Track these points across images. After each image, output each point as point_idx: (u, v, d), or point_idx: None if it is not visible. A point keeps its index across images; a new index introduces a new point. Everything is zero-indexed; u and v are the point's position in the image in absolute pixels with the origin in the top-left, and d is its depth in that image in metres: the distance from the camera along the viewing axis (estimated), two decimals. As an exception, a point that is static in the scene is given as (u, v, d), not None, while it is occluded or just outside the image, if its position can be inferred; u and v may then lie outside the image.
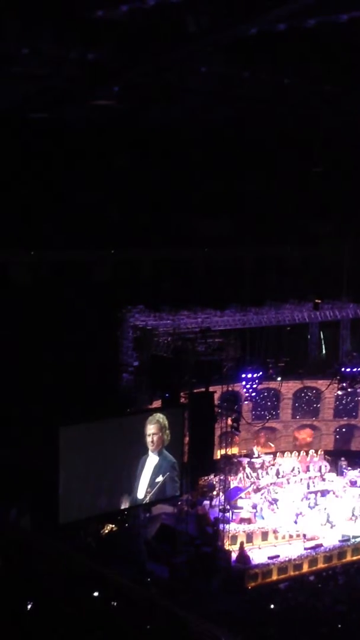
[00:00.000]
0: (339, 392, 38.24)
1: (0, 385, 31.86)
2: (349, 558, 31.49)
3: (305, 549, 31.09)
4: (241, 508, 32.77)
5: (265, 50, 20.95)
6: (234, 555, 30.38)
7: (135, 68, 21.20)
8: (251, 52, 21.15)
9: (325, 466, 37.34)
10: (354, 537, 31.97)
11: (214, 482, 34.27)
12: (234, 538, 31.13)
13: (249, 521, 32.28)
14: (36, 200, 34.29)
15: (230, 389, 32.01)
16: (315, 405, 39.79)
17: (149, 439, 29.42)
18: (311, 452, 38.14)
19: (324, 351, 43.19)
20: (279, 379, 37.80)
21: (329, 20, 18.07)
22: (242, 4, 17.22)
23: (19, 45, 19.35)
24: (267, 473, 36.07)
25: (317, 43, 20.71)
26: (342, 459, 37.82)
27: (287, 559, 30.42)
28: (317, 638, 25.00)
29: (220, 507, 31.59)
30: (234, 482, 34.20)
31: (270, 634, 25.11)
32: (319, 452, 38.34)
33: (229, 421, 31.88)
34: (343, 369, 36.88)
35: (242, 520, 32.24)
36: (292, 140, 33.82)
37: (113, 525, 32.08)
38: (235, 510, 32.48)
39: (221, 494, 32.52)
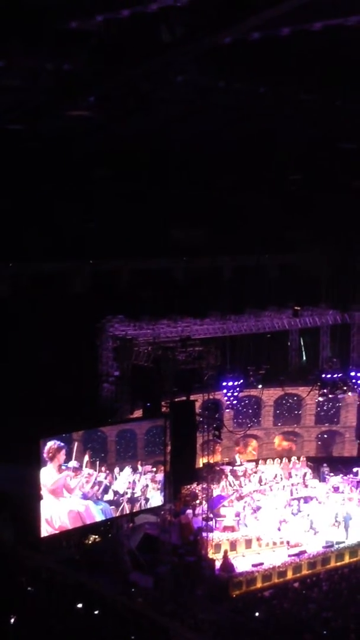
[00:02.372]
0: (320, 399, 38.36)
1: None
2: (332, 564, 31.55)
3: (289, 556, 31.12)
4: (224, 516, 32.76)
5: (240, 59, 21.03)
6: (217, 564, 30.36)
7: (111, 78, 21.22)
8: (226, 61, 21.23)
9: (308, 473, 37.42)
10: (338, 543, 32.03)
11: (197, 491, 34.23)
12: (217, 546, 31.12)
13: (232, 529, 32.27)
14: (14, 212, 34.21)
15: (211, 397, 32.00)
16: (296, 412, 39.88)
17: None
18: (293, 458, 38.22)
19: (304, 358, 43.29)
20: (260, 386, 37.84)
21: (303, 29, 18.18)
22: (217, 14, 17.30)
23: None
24: (249, 481, 36.10)
25: (292, 52, 20.81)
26: (324, 465, 37.91)
27: (271, 566, 30.43)
28: (302, 645, 25.04)
29: (204, 515, 31.55)
30: (216, 491, 34.19)
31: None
32: (301, 459, 38.42)
33: (211, 429, 31.86)
34: (323, 376, 37.03)
35: (225, 529, 32.23)
36: (269, 149, 33.91)
37: (96, 536, 32.02)
38: (218, 519, 32.47)
39: (204, 502, 32.49)
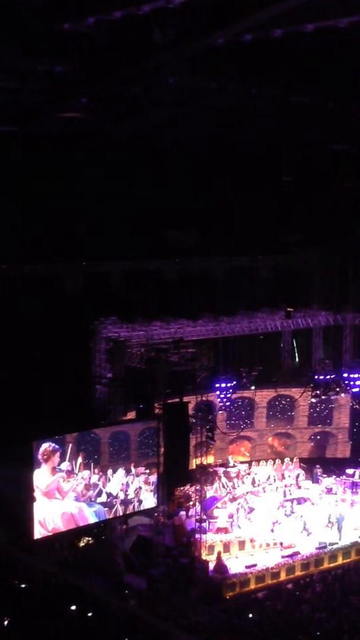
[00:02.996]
0: (313, 400, 38.33)
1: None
2: (326, 565, 31.54)
3: (282, 557, 31.11)
4: (217, 518, 32.73)
5: (232, 60, 21.08)
6: (211, 566, 30.33)
7: (103, 80, 21.24)
8: (218, 62, 21.27)
9: (301, 474, 37.43)
10: (331, 544, 32.03)
11: (190, 493, 34.19)
12: (211, 548, 31.08)
13: (225, 531, 32.25)
14: (6, 214, 34.17)
15: (204, 398, 31.99)
16: (289, 414, 39.85)
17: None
18: (286, 460, 38.21)
19: (297, 359, 43.31)
20: (253, 387, 37.79)
21: (295, 31, 18.21)
22: (209, 16, 17.32)
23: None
24: (242, 482, 36.06)
25: (284, 53, 20.85)
26: (317, 466, 37.90)
27: (264, 567, 30.42)
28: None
29: (197, 517, 31.50)
30: (210, 492, 34.16)
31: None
32: (294, 460, 38.41)
33: (204, 431, 31.85)
34: (316, 377, 36.99)
35: (218, 530, 32.22)
36: (262, 150, 33.96)
37: (89, 538, 31.93)
38: (211, 520, 32.44)
39: (197, 504, 32.45)
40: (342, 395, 38.33)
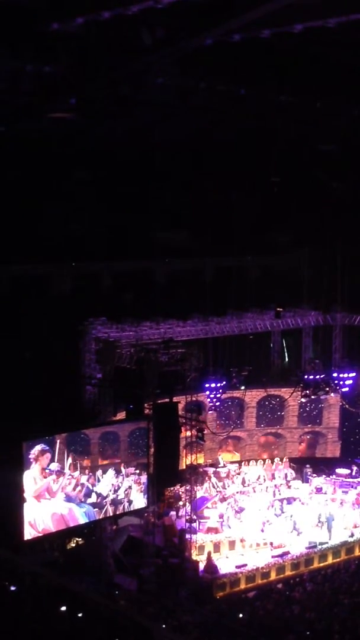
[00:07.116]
0: (303, 400, 38.37)
1: None
2: (315, 565, 31.60)
3: (272, 557, 31.14)
4: (208, 518, 32.76)
5: (221, 61, 21.09)
6: (201, 566, 30.35)
7: (92, 80, 21.23)
8: (207, 63, 21.28)
9: (291, 474, 37.50)
10: (321, 543, 32.08)
11: (180, 493, 34.24)
12: (201, 548, 31.11)
13: (215, 531, 32.27)
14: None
15: (194, 399, 32.00)
16: (279, 413, 39.95)
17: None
18: (276, 459, 38.27)
19: (286, 359, 43.37)
20: (243, 387, 37.80)
21: (283, 31, 18.24)
22: (197, 16, 17.34)
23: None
24: (232, 482, 36.13)
25: (273, 53, 20.88)
26: (307, 466, 37.99)
27: (254, 567, 30.45)
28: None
29: (187, 517, 31.54)
30: (200, 492, 34.19)
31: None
32: (284, 460, 38.48)
33: (194, 431, 31.86)
34: (306, 377, 37.01)
35: (209, 530, 32.23)
36: (250, 150, 33.96)
37: (79, 539, 31.92)
38: (202, 520, 32.47)
39: (187, 504, 32.49)
40: (332, 395, 38.41)
